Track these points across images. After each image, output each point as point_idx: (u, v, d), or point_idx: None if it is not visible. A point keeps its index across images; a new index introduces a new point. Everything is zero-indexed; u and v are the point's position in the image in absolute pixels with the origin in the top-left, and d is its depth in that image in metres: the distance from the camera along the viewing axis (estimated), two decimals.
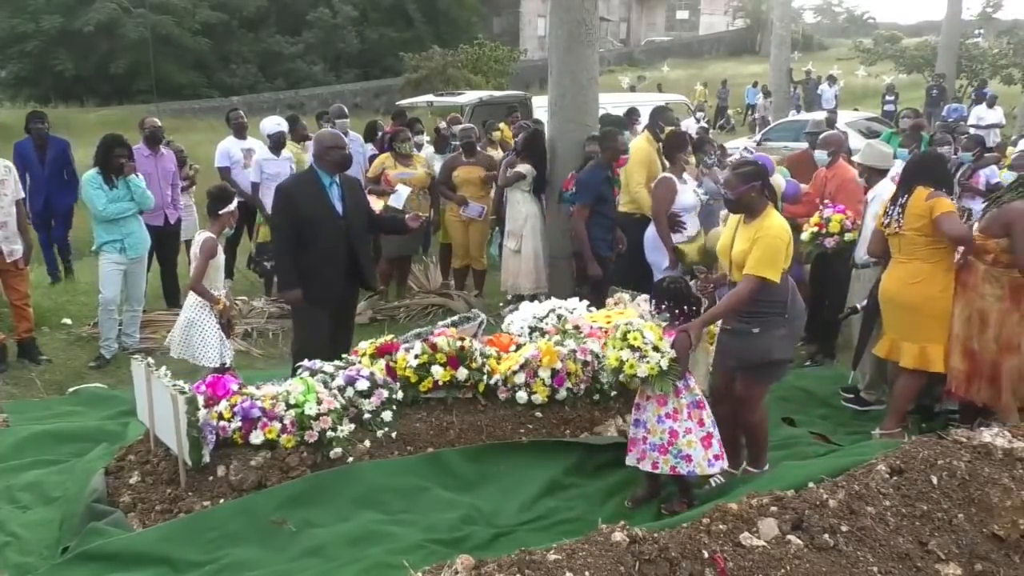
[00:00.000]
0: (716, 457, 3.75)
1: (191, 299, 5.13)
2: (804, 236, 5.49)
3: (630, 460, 3.87)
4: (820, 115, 13.82)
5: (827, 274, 5.89)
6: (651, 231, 6.18)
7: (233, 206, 5.16)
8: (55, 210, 7.96)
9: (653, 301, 3.97)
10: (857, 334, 5.39)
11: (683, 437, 3.72)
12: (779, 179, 6.09)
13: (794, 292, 4.00)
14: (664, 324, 3.81)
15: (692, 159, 6.74)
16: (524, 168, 7.04)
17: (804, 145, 7.97)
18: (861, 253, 5.32)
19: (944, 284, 4.53)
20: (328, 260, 4.88)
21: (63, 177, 7.92)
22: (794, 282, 4.07)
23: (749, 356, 3.97)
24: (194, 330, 5.10)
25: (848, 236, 5.39)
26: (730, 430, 4.09)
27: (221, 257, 5.20)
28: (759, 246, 3.80)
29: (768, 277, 3.76)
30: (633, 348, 3.65)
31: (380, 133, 8.78)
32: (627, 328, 3.71)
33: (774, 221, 3.88)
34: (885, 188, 5.27)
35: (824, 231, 5.43)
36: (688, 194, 6.06)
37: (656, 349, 3.64)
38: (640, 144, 6.77)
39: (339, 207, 4.88)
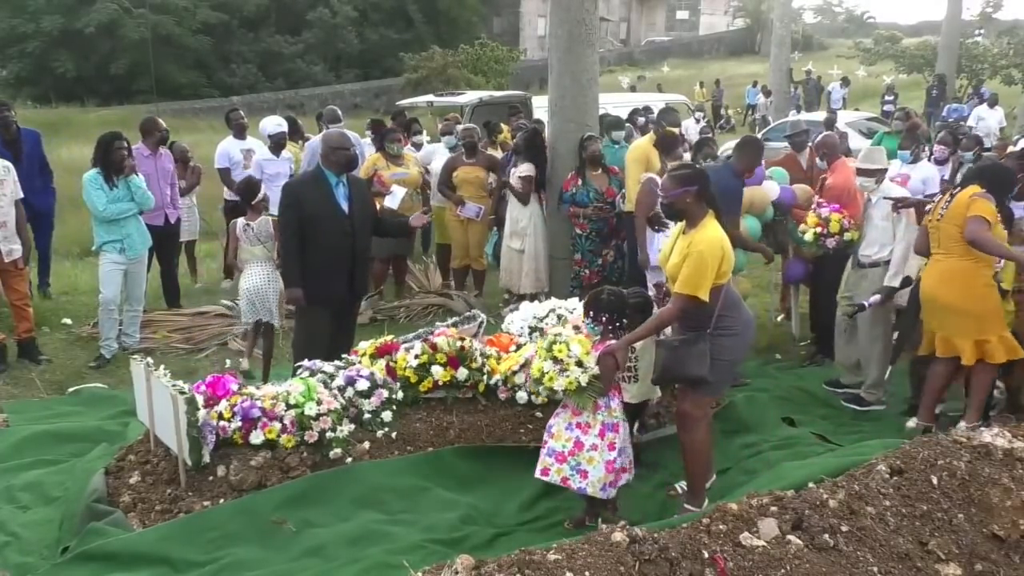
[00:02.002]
0: (611, 484, 3.66)
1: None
2: (808, 237, 5.47)
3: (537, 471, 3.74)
4: (820, 115, 13.85)
5: (821, 275, 5.91)
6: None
7: (263, 193, 5.55)
8: (35, 212, 6.97)
9: (589, 312, 3.80)
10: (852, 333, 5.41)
11: (586, 451, 3.61)
12: (773, 186, 6.05)
13: (736, 305, 3.80)
14: (596, 338, 3.69)
15: (687, 157, 6.73)
16: (526, 168, 7.04)
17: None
18: (869, 253, 5.29)
19: (986, 279, 4.51)
20: (332, 260, 4.90)
21: (41, 174, 7.21)
22: (737, 294, 3.90)
23: (670, 367, 3.77)
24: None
25: (848, 236, 5.37)
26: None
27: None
28: (688, 262, 3.60)
29: (697, 296, 3.57)
30: (556, 360, 3.55)
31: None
32: (554, 339, 3.61)
33: (706, 234, 3.63)
34: (890, 188, 5.29)
35: (826, 232, 5.40)
36: None
37: (579, 364, 3.53)
38: (641, 143, 6.77)
39: (344, 206, 4.92)
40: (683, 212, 3.72)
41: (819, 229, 5.41)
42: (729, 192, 5.44)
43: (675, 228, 3.90)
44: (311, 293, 4.91)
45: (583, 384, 3.52)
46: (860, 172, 5.30)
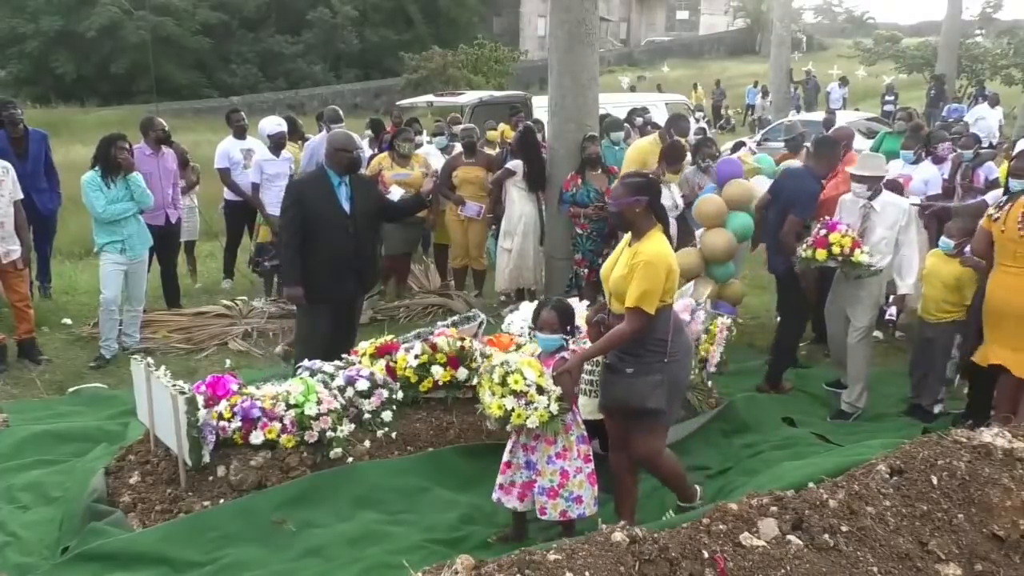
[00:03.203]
0: (595, 499, 3.59)
1: None
2: (819, 255, 5.07)
3: (509, 503, 3.61)
4: (819, 116, 13.83)
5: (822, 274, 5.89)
6: None
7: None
8: (39, 215, 6.95)
9: (557, 324, 3.59)
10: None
11: (574, 477, 3.51)
12: (764, 182, 6.04)
13: (680, 329, 3.65)
14: (540, 351, 3.56)
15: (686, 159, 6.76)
16: (512, 164, 7.07)
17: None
18: (881, 262, 5.09)
19: None
20: (333, 259, 4.91)
21: (47, 175, 7.11)
22: (679, 318, 3.75)
23: (623, 399, 3.57)
24: None
25: (856, 258, 4.98)
26: (624, 479, 3.81)
27: None
28: (637, 275, 3.40)
29: (645, 308, 3.39)
30: (516, 394, 3.34)
31: (380, 133, 8.77)
32: (504, 370, 3.38)
33: (652, 246, 3.46)
34: (888, 197, 5.19)
35: (841, 253, 5.02)
36: (668, 199, 6.02)
37: (540, 390, 3.35)
38: (643, 144, 6.76)
39: (347, 206, 4.94)
40: (631, 222, 3.55)
41: (837, 248, 5.04)
42: (808, 195, 5.43)
43: (624, 240, 3.70)
44: (312, 292, 4.92)
45: (554, 412, 3.36)
46: (855, 178, 5.15)
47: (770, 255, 5.80)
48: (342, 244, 4.91)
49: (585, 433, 3.61)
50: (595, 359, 3.76)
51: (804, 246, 5.11)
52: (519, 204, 7.16)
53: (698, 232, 5.93)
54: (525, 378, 3.35)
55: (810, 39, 41.29)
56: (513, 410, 3.34)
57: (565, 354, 3.54)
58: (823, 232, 5.06)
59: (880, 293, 5.26)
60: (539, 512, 3.55)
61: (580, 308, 5.05)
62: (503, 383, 3.37)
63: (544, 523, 3.66)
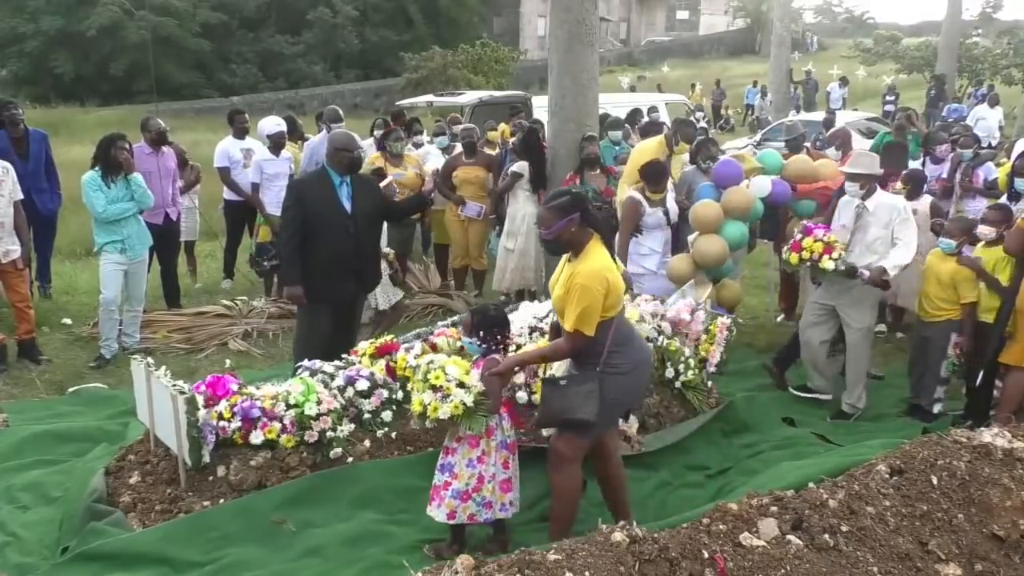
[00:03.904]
0: (512, 503, 3.55)
1: None
2: (791, 259, 5.21)
3: (437, 514, 3.53)
4: (819, 116, 13.83)
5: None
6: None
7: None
8: (39, 215, 6.90)
9: (471, 327, 3.59)
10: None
11: (487, 483, 3.48)
12: (763, 184, 6.00)
13: (628, 341, 3.52)
14: (476, 356, 3.53)
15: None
16: (518, 166, 7.05)
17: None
18: (865, 262, 5.08)
19: None
20: (334, 259, 4.91)
21: (47, 176, 7.06)
22: (631, 329, 3.65)
23: (556, 408, 3.46)
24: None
25: (824, 263, 5.06)
26: (608, 483, 3.72)
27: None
28: (572, 297, 3.30)
29: (585, 332, 3.31)
30: (435, 388, 3.35)
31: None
32: (428, 367, 3.40)
33: (589, 265, 3.33)
34: (881, 196, 5.16)
35: (833, 255, 5.08)
36: (655, 215, 6.01)
37: (461, 385, 3.34)
38: (647, 147, 6.69)
39: (348, 206, 4.94)
40: (568, 243, 3.41)
41: (828, 252, 5.11)
42: None
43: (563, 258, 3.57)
44: (312, 292, 4.92)
45: (469, 404, 3.32)
46: (849, 177, 5.17)
47: None
48: (342, 244, 4.91)
49: (509, 440, 3.54)
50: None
51: (785, 248, 5.26)
52: (523, 204, 7.14)
53: (690, 237, 5.84)
54: (446, 374, 3.36)
55: (813, 39, 41.29)
56: (429, 404, 3.35)
57: (498, 356, 3.49)
58: (799, 236, 5.18)
59: (879, 292, 5.25)
60: (447, 517, 3.48)
61: None
62: (425, 379, 3.39)
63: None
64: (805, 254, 5.12)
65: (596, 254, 3.38)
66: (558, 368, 3.64)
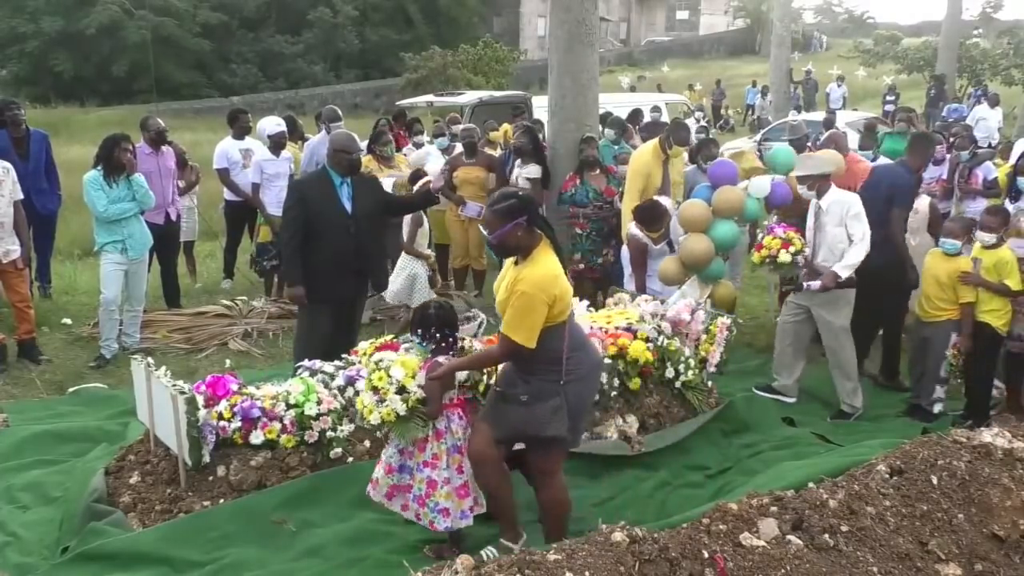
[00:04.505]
0: (470, 509, 3.44)
1: (406, 258, 6.52)
2: (755, 258, 5.31)
3: (394, 506, 3.50)
4: (820, 116, 13.83)
5: None
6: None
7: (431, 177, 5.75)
8: (39, 216, 6.90)
9: (417, 329, 3.50)
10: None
11: (440, 488, 3.37)
12: (762, 184, 5.98)
13: (582, 345, 3.38)
14: (427, 356, 3.43)
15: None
16: (533, 171, 7.00)
17: None
18: (825, 260, 5.16)
19: None
20: (334, 259, 4.91)
21: (47, 176, 7.05)
22: (582, 332, 3.50)
23: (521, 427, 3.32)
24: (417, 282, 6.47)
25: (781, 257, 5.14)
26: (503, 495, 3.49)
27: (427, 223, 6.73)
28: (512, 303, 3.16)
29: (518, 341, 3.14)
30: (375, 390, 3.27)
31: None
32: (375, 365, 3.32)
33: (534, 271, 3.18)
34: (836, 192, 5.23)
35: (790, 249, 5.16)
36: (659, 249, 5.98)
37: (402, 390, 3.24)
38: (643, 154, 6.66)
39: (348, 206, 4.94)
40: (515, 247, 3.26)
41: (786, 249, 5.18)
42: (907, 188, 5.61)
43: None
44: (312, 292, 4.92)
45: (402, 412, 3.23)
46: (798, 179, 5.30)
47: None
48: (343, 244, 4.91)
49: (462, 444, 3.42)
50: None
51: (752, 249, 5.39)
52: None
53: (681, 237, 5.81)
54: (389, 376, 3.27)
55: (809, 39, 41.28)
56: (366, 406, 3.29)
57: (441, 359, 3.40)
58: (761, 236, 5.30)
59: (852, 292, 5.22)
60: (415, 517, 3.46)
61: (581, 307, 5.08)
62: (369, 378, 3.34)
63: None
64: (764, 252, 5.23)
65: (543, 260, 3.22)
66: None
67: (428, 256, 6.55)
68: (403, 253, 6.53)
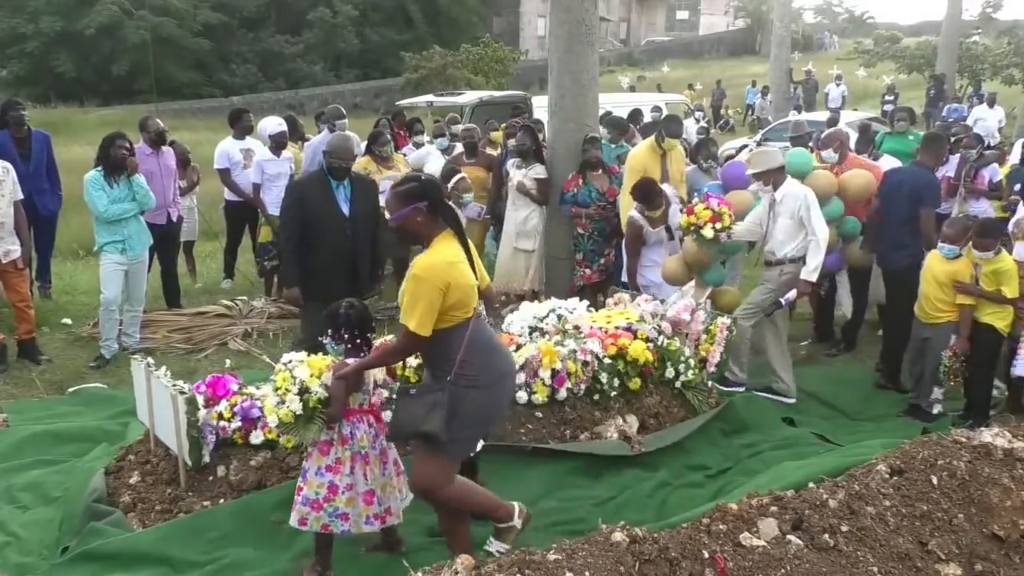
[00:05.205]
0: (376, 516, 3.32)
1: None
2: (707, 233, 5.25)
3: (292, 518, 3.32)
4: (823, 115, 13.83)
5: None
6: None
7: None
8: (40, 216, 6.92)
9: (329, 329, 3.40)
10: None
11: (342, 493, 3.25)
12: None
13: (487, 351, 3.21)
14: (340, 357, 3.38)
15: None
16: (541, 172, 6.98)
17: None
18: (775, 250, 5.29)
19: None
20: (331, 260, 4.93)
21: (48, 176, 7.07)
22: (492, 338, 3.34)
23: (399, 422, 3.18)
24: None
25: (706, 230, 5.19)
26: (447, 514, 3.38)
27: None
28: (405, 288, 3.05)
29: (411, 328, 3.01)
30: (276, 390, 3.25)
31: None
32: (283, 367, 3.31)
33: (430, 257, 3.09)
34: (792, 186, 5.29)
35: (716, 225, 5.20)
36: (657, 234, 6.00)
37: (304, 391, 3.21)
38: (639, 152, 6.67)
39: (345, 208, 4.95)
40: (416, 234, 3.15)
41: (712, 224, 5.22)
42: (935, 188, 5.82)
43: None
44: (310, 293, 4.93)
45: (299, 413, 3.17)
46: (752, 176, 5.36)
47: (886, 250, 5.77)
48: (340, 245, 4.92)
49: (367, 452, 3.31)
50: None
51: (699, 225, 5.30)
52: (535, 205, 7.10)
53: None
54: (293, 376, 3.25)
55: (809, 39, 41.29)
56: (266, 407, 3.30)
57: (349, 360, 3.32)
58: (695, 201, 5.34)
59: (781, 281, 5.31)
60: (299, 523, 3.28)
61: (581, 307, 5.08)
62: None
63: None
64: (692, 218, 5.24)
65: (442, 247, 3.11)
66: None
67: None
68: None
